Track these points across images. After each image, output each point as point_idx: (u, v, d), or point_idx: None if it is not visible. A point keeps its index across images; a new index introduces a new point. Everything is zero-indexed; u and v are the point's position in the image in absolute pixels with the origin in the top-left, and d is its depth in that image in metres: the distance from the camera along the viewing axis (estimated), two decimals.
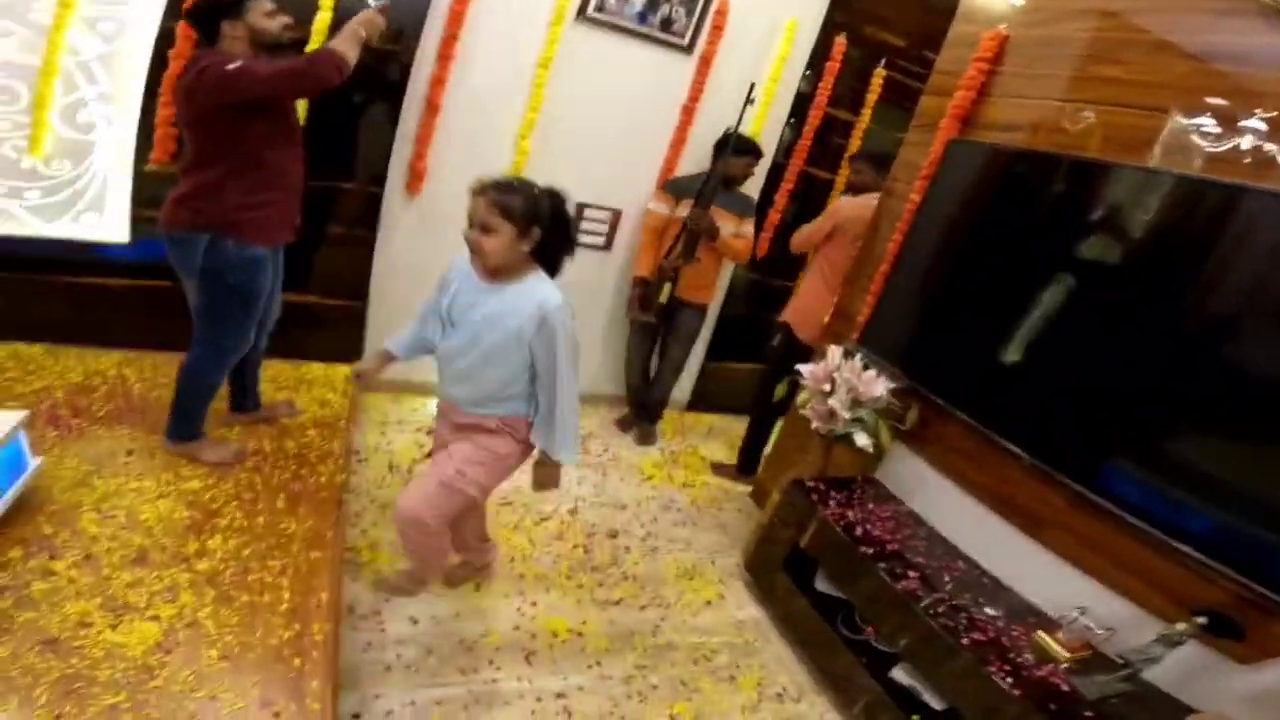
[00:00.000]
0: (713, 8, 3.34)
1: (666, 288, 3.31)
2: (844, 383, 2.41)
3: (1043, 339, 2.10)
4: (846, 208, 3.06)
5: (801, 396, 2.58)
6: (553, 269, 1.83)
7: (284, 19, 2.12)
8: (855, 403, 2.40)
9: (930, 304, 2.51)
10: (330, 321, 3.20)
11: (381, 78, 2.98)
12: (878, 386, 2.36)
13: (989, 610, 2.01)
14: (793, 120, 3.73)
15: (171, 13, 2.53)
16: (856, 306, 2.82)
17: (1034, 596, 2.09)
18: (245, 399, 2.54)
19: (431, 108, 3.05)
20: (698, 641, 2.36)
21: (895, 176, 2.81)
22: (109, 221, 2.71)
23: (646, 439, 3.63)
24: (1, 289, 2.57)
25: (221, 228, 2.05)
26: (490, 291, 1.76)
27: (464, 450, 1.84)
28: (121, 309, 2.80)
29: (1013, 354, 2.17)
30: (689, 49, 3.39)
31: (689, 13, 3.32)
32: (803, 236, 3.21)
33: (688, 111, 3.48)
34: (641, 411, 3.67)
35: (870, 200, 2.95)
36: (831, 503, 2.37)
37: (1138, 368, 1.84)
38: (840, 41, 3.60)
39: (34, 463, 1.90)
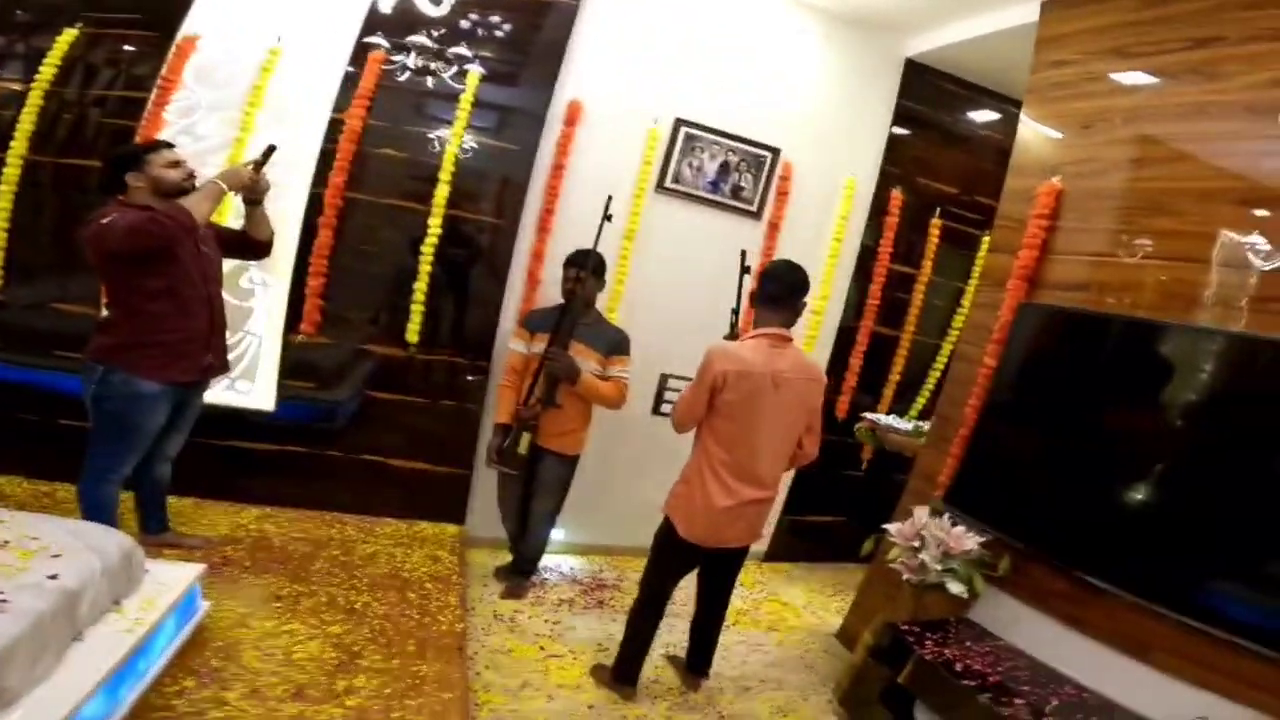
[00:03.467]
0: (777, 173, 3.46)
1: (525, 438, 2.83)
2: (933, 539, 2.48)
3: (1128, 486, 2.23)
4: (721, 359, 2.23)
5: (892, 553, 2.63)
6: None
7: (186, 169, 2.30)
8: (946, 555, 2.46)
9: (1014, 461, 2.63)
10: (438, 486, 3.37)
11: (490, 254, 3.24)
12: (968, 541, 2.43)
13: None
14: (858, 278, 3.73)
15: (319, 179, 2.89)
16: (936, 467, 2.89)
17: (1150, 711, 2.05)
18: (148, 520, 2.63)
19: (531, 281, 3.27)
20: None
21: (965, 339, 2.93)
22: (259, 389, 2.96)
23: (513, 593, 3.11)
24: None
25: (110, 361, 2.25)
26: None
27: None
28: (261, 470, 3.07)
29: (1100, 500, 2.27)
30: (758, 214, 3.49)
31: (756, 179, 3.44)
32: (680, 412, 2.38)
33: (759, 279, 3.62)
34: (516, 563, 3.22)
35: (752, 346, 2.29)
36: (928, 642, 2.39)
37: (1224, 501, 1.98)
38: (896, 194, 3.65)
39: (203, 605, 2.17)
